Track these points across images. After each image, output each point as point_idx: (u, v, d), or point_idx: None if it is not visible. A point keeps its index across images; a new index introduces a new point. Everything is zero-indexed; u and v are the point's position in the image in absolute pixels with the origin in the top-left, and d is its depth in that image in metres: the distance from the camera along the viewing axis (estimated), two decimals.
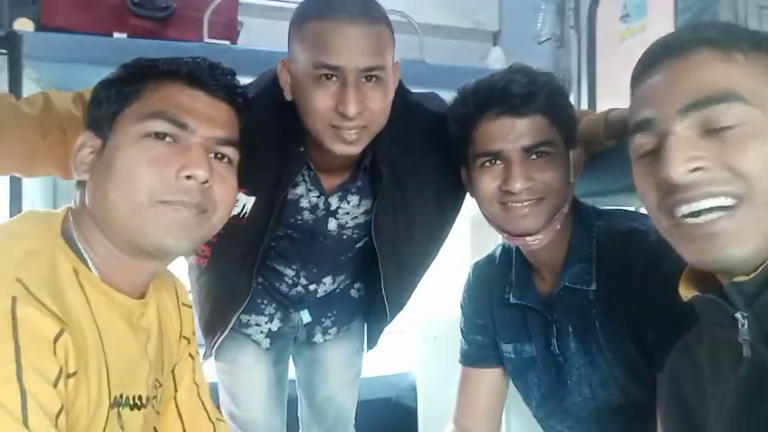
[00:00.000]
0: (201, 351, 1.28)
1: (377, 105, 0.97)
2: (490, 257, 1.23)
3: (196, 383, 0.97)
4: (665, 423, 0.81)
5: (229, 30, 1.91)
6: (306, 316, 1.33)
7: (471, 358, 1.22)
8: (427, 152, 1.14)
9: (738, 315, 0.64)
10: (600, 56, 1.97)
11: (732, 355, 0.67)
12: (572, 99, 2.03)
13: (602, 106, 2.01)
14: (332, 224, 1.17)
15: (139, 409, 0.80)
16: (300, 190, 1.13)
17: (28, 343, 0.61)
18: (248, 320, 1.32)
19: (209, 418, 0.97)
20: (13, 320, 0.61)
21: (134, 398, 0.79)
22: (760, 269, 0.62)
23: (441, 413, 1.98)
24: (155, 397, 0.86)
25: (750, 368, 0.65)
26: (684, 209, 0.63)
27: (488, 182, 0.99)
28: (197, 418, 0.96)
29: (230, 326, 1.22)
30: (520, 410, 1.21)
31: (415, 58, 1.96)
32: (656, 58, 0.67)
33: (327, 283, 1.30)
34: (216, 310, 1.23)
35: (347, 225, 1.18)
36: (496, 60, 2.20)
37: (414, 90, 1.20)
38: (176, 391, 0.94)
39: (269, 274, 1.26)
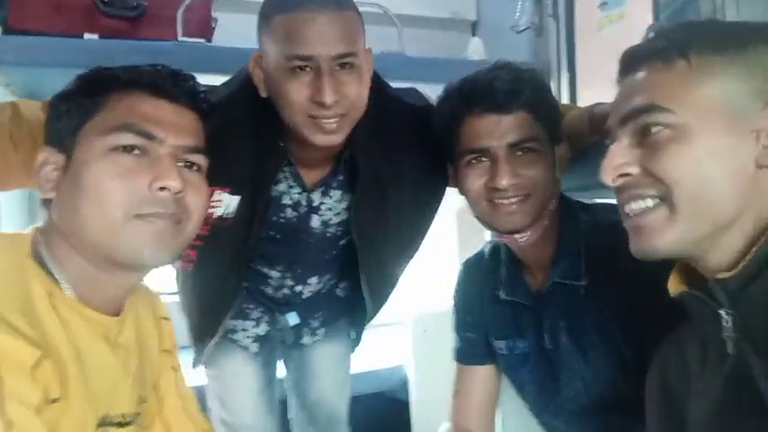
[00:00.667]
0: (189, 356, 1.27)
1: (353, 92, 0.96)
2: (479, 254, 1.22)
3: (181, 397, 0.96)
4: (650, 415, 0.82)
5: (204, 27, 1.87)
6: (293, 318, 1.32)
7: (464, 355, 1.22)
8: (406, 146, 1.13)
9: (722, 312, 0.66)
10: (579, 44, 1.97)
11: (718, 351, 0.68)
12: (552, 88, 2.03)
13: (583, 95, 2.02)
14: (315, 221, 1.16)
15: (124, 427, 0.79)
16: (282, 187, 1.11)
17: (8, 372, 0.59)
18: (235, 326, 1.30)
19: (196, 428, 0.96)
20: None
21: (119, 416, 0.78)
22: (741, 265, 0.63)
23: (433, 406, 1.98)
24: (139, 414, 0.84)
25: (734, 365, 0.66)
26: (625, 208, 0.71)
27: (475, 179, 0.99)
28: (184, 429, 0.95)
29: (219, 332, 1.20)
30: (515, 407, 1.21)
31: (394, 51, 1.94)
32: (621, 75, 0.74)
33: (313, 284, 1.28)
34: (204, 315, 1.21)
35: (330, 222, 1.17)
36: (475, 51, 2.18)
37: (394, 83, 1.19)
38: (161, 405, 0.93)
39: (254, 277, 1.24)
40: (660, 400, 0.80)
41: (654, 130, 0.67)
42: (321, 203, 1.14)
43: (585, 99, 1.82)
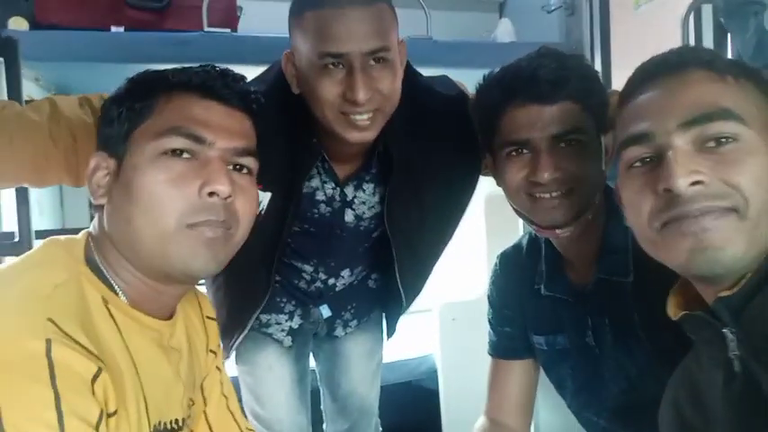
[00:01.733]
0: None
1: (386, 87, 0.94)
2: (517, 247, 1.20)
3: (225, 395, 0.96)
4: None
5: (229, 17, 1.86)
6: (326, 311, 1.31)
7: (501, 350, 1.20)
8: (439, 136, 1.11)
9: (726, 331, 0.65)
10: (613, 24, 1.90)
11: (725, 372, 0.67)
12: None
13: (617, 76, 1.95)
14: (349, 216, 1.15)
15: None
16: (315, 182, 1.10)
17: (66, 387, 0.59)
18: (268, 320, 1.30)
19: (240, 429, 0.96)
20: (50, 364, 0.58)
21: (171, 422, 0.77)
22: (743, 282, 0.63)
23: (463, 395, 1.99)
24: (188, 416, 0.84)
25: (742, 384, 0.65)
26: (680, 223, 0.65)
27: (515, 172, 0.96)
28: (228, 429, 0.95)
29: (249, 326, 1.20)
30: (550, 403, 1.19)
31: (421, 36, 1.91)
32: (651, 75, 0.69)
33: (346, 276, 1.27)
34: (234, 311, 1.20)
35: (364, 216, 1.16)
36: (505, 33, 2.13)
37: (423, 69, 1.16)
38: (206, 405, 0.93)
39: (286, 271, 1.24)
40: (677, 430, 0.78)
41: (728, 140, 0.64)
42: (354, 197, 1.13)
43: (620, 82, 1.75)
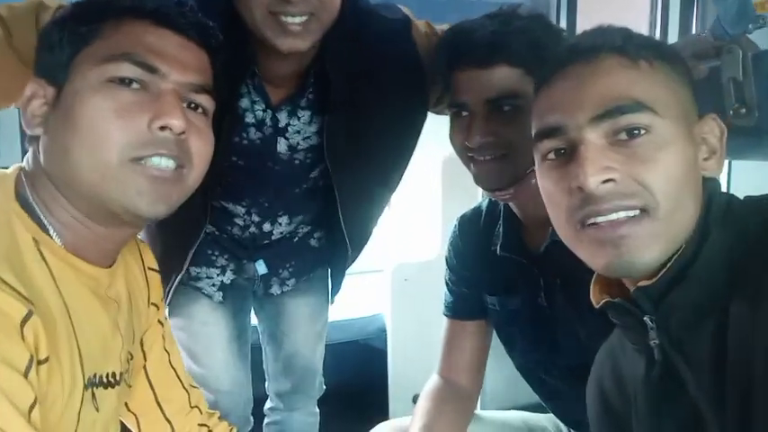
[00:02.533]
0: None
1: None
2: (476, 210, 1.19)
3: (167, 351, 0.91)
4: (593, 426, 0.82)
5: None
6: (261, 267, 1.26)
7: (457, 310, 1.20)
8: (383, 60, 1.05)
9: (647, 319, 0.66)
10: None
11: (646, 358, 0.69)
12: None
13: None
14: (282, 145, 1.08)
15: (113, 387, 0.74)
16: (245, 103, 1.03)
17: None
18: (198, 273, 1.23)
19: (183, 386, 0.92)
20: None
21: (108, 375, 0.73)
22: (661, 273, 0.64)
23: (411, 355, 2.00)
24: (127, 371, 0.79)
25: (661, 370, 0.67)
26: (593, 220, 0.64)
27: (456, 133, 0.97)
28: (169, 386, 0.91)
29: (187, 265, 1.13)
30: (495, 365, 1.19)
31: None
32: (563, 63, 0.67)
33: (283, 224, 1.21)
34: (171, 245, 1.12)
35: (299, 147, 1.09)
36: None
37: None
38: (146, 360, 0.88)
39: (219, 217, 1.17)
40: (601, 411, 0.80)
41: (640, 132, 0.62)
42: (288, 125, 1.06)
43: None
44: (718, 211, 0.65)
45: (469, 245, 1.17)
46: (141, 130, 0.66)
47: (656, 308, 0.65)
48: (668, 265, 0.63)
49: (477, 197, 1.45)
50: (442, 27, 1.09)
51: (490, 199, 1.16)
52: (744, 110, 0.84)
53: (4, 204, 0.65)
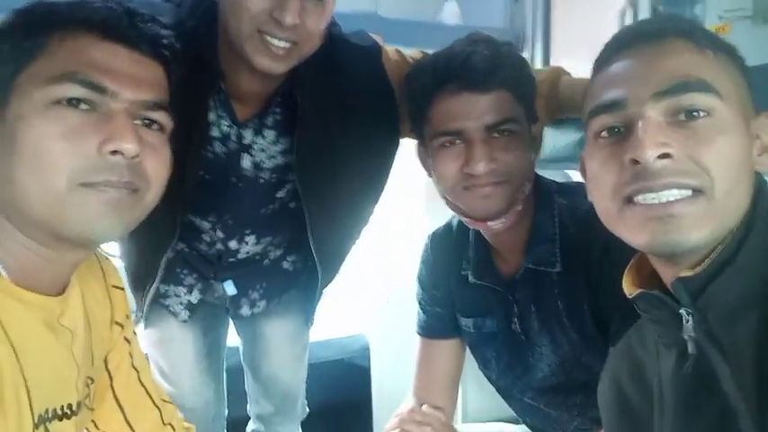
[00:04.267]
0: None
1: (313, 24, 0.90)
2: (447, 227, 1.18)
3: (135, 368, 0.89)
4: (608, 426, 0.81)
5: None
6: (230, 288, 1.24)
7: (429, 330, 1.20)
8: (354, 87, 1.06)
9: (683, 311, 0.64)
10: (555, 12, 1.93)
11: (677, 352, 0.67)
12: (526, 56, 1.99)
13: (556, 63, 1.98)
14: (246, 162, 1.07)
15: (69, 418, 0.71)
16: (211, 116, 1.02)
17: None
18: (167, 290, 1.23)
19: (154, 403, 0.90)
20: None
21: (62, 407, 0.70)
22: (704, 263, 0.62)
23: (395, 374, 2.00)
24: (87, 396, 0.77)
25: (695, 365, 0.65)
26: (644, 196, 0.62)
27: (449, 163, 0.93)
28: (139, 404, 0.88)
29: (160, 273, 1.12)
30: (477, 378, 1.21)
31: (368, 11, 1.87)
32: (627, 43, 0.66)
33: (250, 243, 1.20)
34: (143, 254, 1.12)
35: (263, 165, 1.09)
36: (451, 15, 2.12)
37: None
38: (112, 379, 0.85)
39: (187, 231, 1.15)
40: (617, 409, 0.78)
41: (700, 114, 0.61)
42: (253, 142, 1.06)
43: None
44: (765, 205, 0.63)
45: (441, 264, 1.16)
46: (90, 155, 0.63)
47: (694, 300, 0.63)
48: (712, 256, 0.61)
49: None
50: (411, 54, 1.10)
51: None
52: None
53: None
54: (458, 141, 0.92)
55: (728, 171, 0.61)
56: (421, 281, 1.21)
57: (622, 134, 0.65)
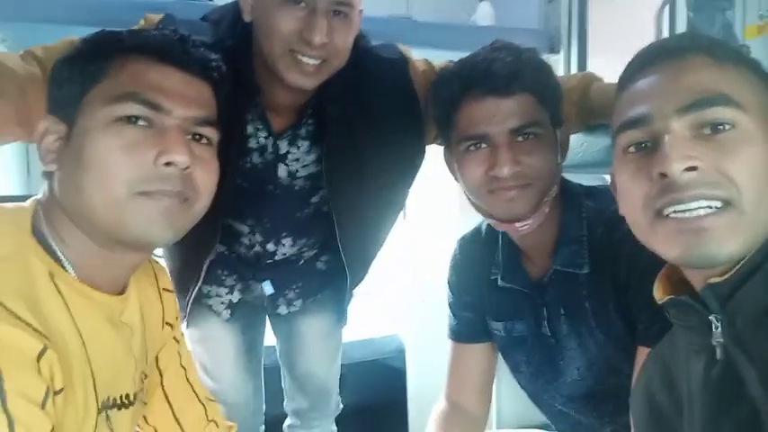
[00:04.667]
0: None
1: (341, 41, 0.95)
2: (476, 232, 1.20)
3: (183, 366, 0.95)
4: (640, 429, 0.81)
5: None
6: (268, 288, 1.30)
7: (461, 334, 1.21)
8: (381, 98, 1.10)
9: (712, 317, 0.65)
10: (591, 12, 1.91)
11: (706, 358, 0.67)
12: (561, 56, 1.98)
13: (593, 63, 1.97)
14: (282, 171, 1.13)
15: (127, 408, 0.78)
16: (249, 129, 1.08)
17: (10, 366, 0.57)
18: (209, 291, 1.29)
19: (200, 400, 0.96)
20: None
21: (121, 398, 0.77)
22: (734, 270, 0.63)
23: (430, 375, 2.01)
24: (141, 389, 0.83)
25: (723, 370, 0.65)
26: (674, 208, 0.64)
27: (474, 167, 0.95)
28: (186, 400, 0.94)
29: (203, 277, 1.18)
30: (511, 383, 1.21)
31: (402, 14, 1.89)
32: (650, 60, 0.69)
33: (287, 245, 1.25)
34: (187, 256, 1.18)
35: (298, 174, 1.14)
36: (484, 17, 2.11)
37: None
38: (162, 376, 0.92)
39: (227, 235, 1.21)
40: (649, 418, 0.79)
41: (725, 127, 0.63)
42: (288, 152, 1.11)
43: (595, 69, 1.77)
44: None
45: (470, 269, 1.17)
46: (147, 166, 0.69)
47: (723, 306, 0.64)
48: (741, 263, 0.62)
49: None
50: (440, 64, 1.12)
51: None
52: None
53: (20, 238, 0.69)
54: (483, 145, 0.94)
55: (755, 181, 0.62)
56: (451, 286, 1.22)
57: (649, 149, 0.66)
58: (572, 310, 1.01)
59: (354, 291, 1.34)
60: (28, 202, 0.74)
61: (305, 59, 0.93)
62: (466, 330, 1.19)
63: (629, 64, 0.72)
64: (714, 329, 0.65)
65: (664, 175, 0.63)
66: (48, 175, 0.74)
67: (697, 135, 0.64)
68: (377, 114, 1.10)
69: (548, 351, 1.06)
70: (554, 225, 1.01)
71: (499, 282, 1.09)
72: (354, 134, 1.09)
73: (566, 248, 1.00)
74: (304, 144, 1.11)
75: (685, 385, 0.72)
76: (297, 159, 1.12)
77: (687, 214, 0.63)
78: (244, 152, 1.09)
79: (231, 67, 0.93)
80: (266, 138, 1.09)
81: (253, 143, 1.09)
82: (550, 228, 1.01)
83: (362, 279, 1.30)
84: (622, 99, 0.71)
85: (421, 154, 1.17)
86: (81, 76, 0.72)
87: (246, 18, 0.98)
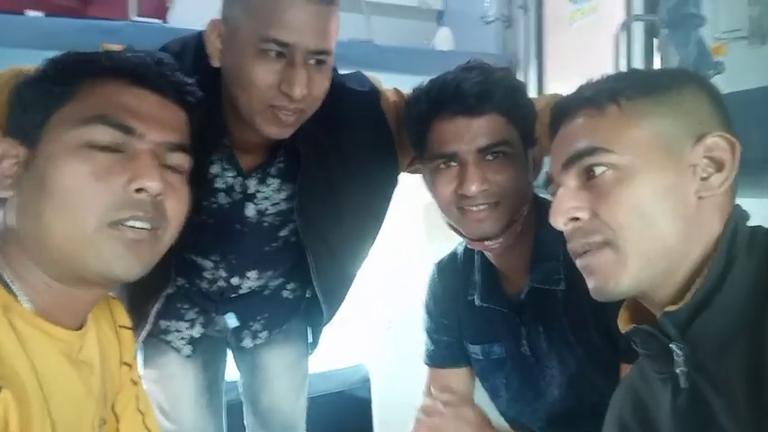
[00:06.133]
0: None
1: (318, 90, 0.92)
2: (453, 255, 1.19)
3: (141, 412, 0.88)
4: None
5: (159, 6, 1.77)
6: (232, 320, 1.23)
7: (438, 359, 1.19)
8: (354, 133, 1.07)
9: (673, 345, 0.65)
10: (548, 37, 1.95)
11: (672, 386, 0.68)
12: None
13: (550, 88, 2.00)
14: (250, 210, 1.08)
15: None
16: (215, 169, 1.03)
17: None
18: (168, 326, 1.21)
19: None
20: None
21: None
22: (687, 297, 0.63)
23: (396, 403, 1.97)
24: None
25: (688, 399, 0.66)
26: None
27: (444, 185, 0.95)
28: None
29: (151, 320, 1.11)
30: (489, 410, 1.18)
31: (363, 39, 1.89)
32: (555, 124, 0.75)
33: (252, 278, 1.19)
34: (134, 299, 1.10)
35: (267, 212, 1.10)
36: (444, 41, 2.14)
37: (363, 72, 1.14)
38: (118, 422, 0.85)
39: (187, 269, 1.15)
40: None
41: (598, 171, 0.67)
42: (257, 191, 1.07)
43: (554, 92, 1.79)
44: (743, 239, 0.64)
45: (447, 292, 1.16)
46: (118, 192, 0.65)
47: (683, 334, 0.65)
48: (693, 289, 0.63)
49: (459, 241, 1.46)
50: (410, 93, 1.10)
51: (466, 244, 1.14)
52: None
53: None
54: (452, 164, 0.95)
55: (630, 217, 0.65)
56: (428, 310, 1.20)
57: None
58: (550, 326, 1.00)
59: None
60: None
61: (284, 113, 0.90)
62: (443, 355, 1.18)
63: (552, 120, 0.76)
64: (676, 357, 0.65)
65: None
66: (1, 202, 0.68)
67: (584, 184, 0.68)
68: (350, 149, 1.07)
69: (528, 372, 1.04)
70: (529, 243, 1.01)
71: (476, 302, 1.08)
72: (327, 170, 1.06)
73: (541, 265, 0.99)
74: (274, 182, 1.07)
75: (656, 414, 0.72)
76: (266, 198, 1.08)
77: (579, 253, 0.69)
78: (209, 192, 1.04)
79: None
80: (234, 177, 1.05)
81: (219, 183, 1.05)
82: (526, 246, 1.00)
83: (336, 312, 1.26)
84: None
85: (394, 184, 1.16)
86: (44, 98, 0.68)
87: (214, 63, 0.93)
